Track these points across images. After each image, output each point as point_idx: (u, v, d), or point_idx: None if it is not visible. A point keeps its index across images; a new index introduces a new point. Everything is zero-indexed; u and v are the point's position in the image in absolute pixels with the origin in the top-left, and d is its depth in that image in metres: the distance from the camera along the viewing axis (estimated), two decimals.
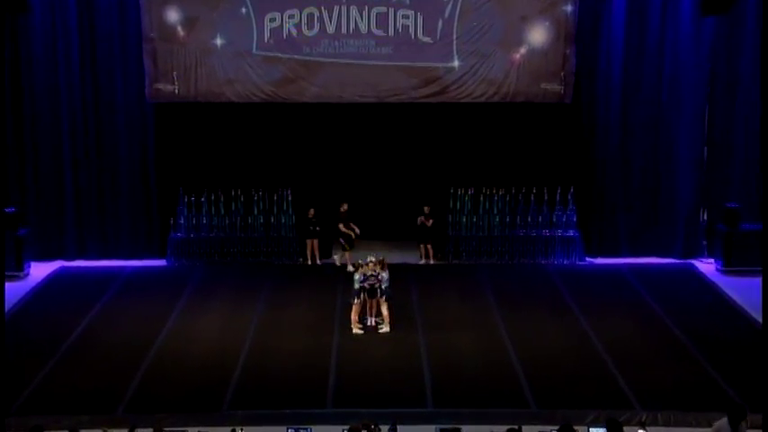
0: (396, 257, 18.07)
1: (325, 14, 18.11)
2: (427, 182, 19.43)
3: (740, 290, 16.77)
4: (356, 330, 14.93)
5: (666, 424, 12.10)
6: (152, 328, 15.08)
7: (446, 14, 18.15)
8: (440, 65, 18.37)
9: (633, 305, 16.39)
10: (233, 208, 18.96)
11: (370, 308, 15.20)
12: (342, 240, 18.47)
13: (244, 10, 18.06)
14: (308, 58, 18.33)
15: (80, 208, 19.10)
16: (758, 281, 16.07)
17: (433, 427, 11.12)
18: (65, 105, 18.65)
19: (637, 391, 12.77)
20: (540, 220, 18.98)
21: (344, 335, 14.84)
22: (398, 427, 10.72)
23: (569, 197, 18.98)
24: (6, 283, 16.10)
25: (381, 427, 10.55)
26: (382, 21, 18.16)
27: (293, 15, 18.15)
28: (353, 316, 14.98)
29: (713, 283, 17.66)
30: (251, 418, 12.10)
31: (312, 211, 18.83)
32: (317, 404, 12.43)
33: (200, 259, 18.88)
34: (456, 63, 18.36)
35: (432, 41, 18.28)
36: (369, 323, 15.19)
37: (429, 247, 18.96)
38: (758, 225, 17.79)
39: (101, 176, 19.05)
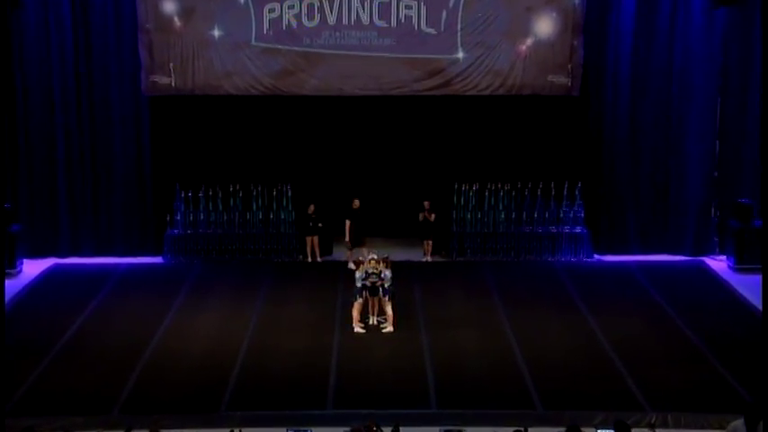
0: (399, 255, 18.06)
1: (326, 5, 18.10)
2: (431, 177, 19.43)
3: (752, 288, 16.73)
4: (358, 329, 14.94)
5: (677, 426, 12.09)
6: (148, 327, 15.09)
7: (450, 5, 18.13)
8: (444, 56, 18.36)
9: (642, 304, 16.38)
10: (231, 204, 18.97)
11: (372, 306, 15.20)
12: (347, 239, 18.31)
13: (242, 0, 18.05)
14: (308, 49, 18.32)
15: (74, 204, 19.11)
16: None
17: (437, 428, 11.12)
18: (58, 99, 18.65)
19: (646, 391, 12.76)
20: (546, 216, 18.97)
21: (346, 334, 14.85)
22: (401, 428, 10.71)
23: (577, 192, 18.97)
24: None
25: (383, 428, 10.56)
26: (384, 11, 18.14)
27: (293, 6, 18.13)
28: (355, 314, 14.99)
29: (725, 280, 17.65)
30: (250, 420, 12.11)
31: (312, 207, 18.83)
32: (318, 405, 12.44)
33: (197, 256, 18.89)
34: (460, 55, 18.35)
35: (435, 32, 18.27)
36: (371, 322, 15.20)
37: (429, 242, 18.95)
38: None
39: (95, 172, 19.06)
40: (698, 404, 12.43)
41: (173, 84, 18.35)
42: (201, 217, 18.90)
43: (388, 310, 14.98)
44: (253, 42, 18.27)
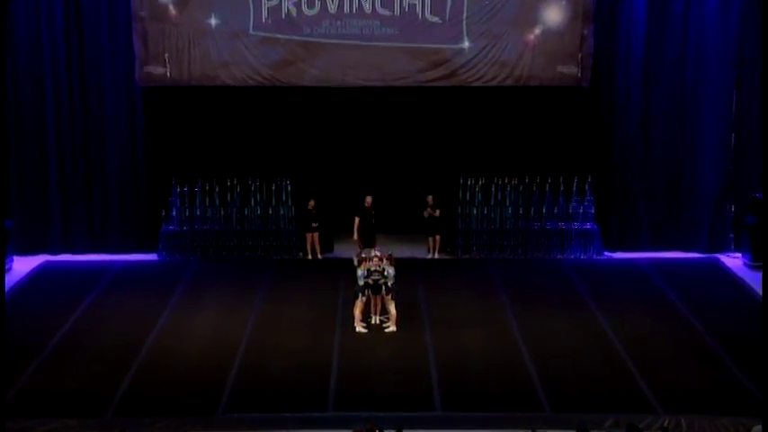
0: (403, 252, 18.07)
1: None
2: (435, 171, 19.43)
3: None
4: (359, 329, 14.95)
5: (690, 429, 12.08)
6: (143, 327, 15.11)
7: None
8: (448, 46, 18.35)
9: (654, 302, 16.38)
10: (229, 199, 18.98)
11: (375, 305, 15.22)
12: (357, 238, 18.26)
13: None
14: (308, 39, 18.31)
15: (66, 199, 19.14)
16: None
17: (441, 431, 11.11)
18: (49, 91, 18.66)
19: (658, 393, 12.77)
20: (555, 211, 18.97)
21: (347, 333, 14.86)
22: (404, 431, 10.73)
23: (587, 187, 18.97)
24: None
25: (386, 431, 10.56)
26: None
27: None
28: (357, 313, 15.00)
29: (740, 278, 17.65)
30: (248, 422, 12.14)
31: (312, 203, 18.85)
32: (318, 407, 12.46)
33: (193, 253, 18.91)
34: (466, 44, 18.34)
35: (440, 21, 18.25)
36: (373, 321, 15.21)
37: (436, 238, 18.97)
38: None
39: (88, 166, 19.08)
40: (712, 407, 12.43)
41: (168, 74, 18.35)
42: (198, 213, 18.91)
43: (391, 308, 14.99)
44: (251, 31, 18.26)
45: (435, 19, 18.24)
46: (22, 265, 18.32)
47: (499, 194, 19.03)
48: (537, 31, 18.32)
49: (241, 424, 12.07)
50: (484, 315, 15.76)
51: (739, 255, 18.78)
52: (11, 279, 17.58)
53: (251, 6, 18.14)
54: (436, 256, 19.01)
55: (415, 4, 18.16)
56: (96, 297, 16.69)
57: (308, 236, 18.97)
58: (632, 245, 19.30)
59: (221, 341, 14.63)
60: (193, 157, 19.12)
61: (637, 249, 19.22)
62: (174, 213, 18.87)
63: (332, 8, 18.15)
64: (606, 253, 19.17)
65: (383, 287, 14.97)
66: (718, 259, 18.82)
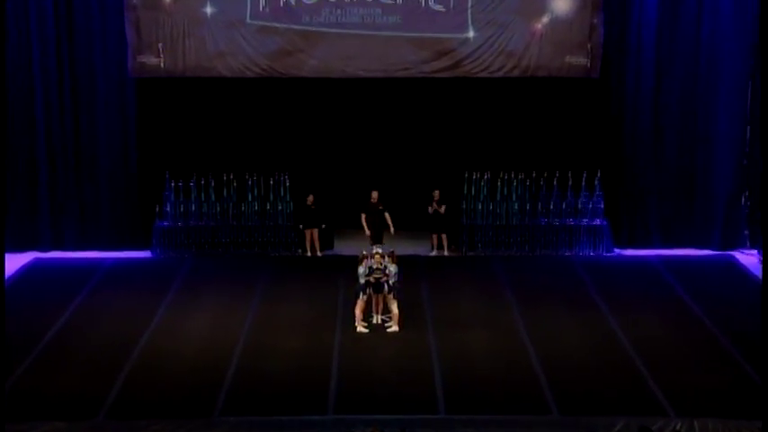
0: (405, 248, 18.07)
1: None
2: (439, 165, 19.44)
3: None
4: (360, 329, 14.95)
5: None
6: (136, 327, 15.10)
7: None
8: (453, 36, 18.34)
9: (666, 301, 16.37)
10: (225, 194, 18.99)
11: (377, 304, 15.21)
12: (368, 235, 18.19)
13: None
14: (307, 28, 18.30)
15: (55, 194, 19.14)
16: None
17: None
18: (38, 82, 18.66)
19: (670, 396, 12.75)
20: (563, 207, 18.98)
21: (347, 333, 14.86)
22: None
23: (596, 182, 18.96)
24: None
25: None
26: None
27: None
28: (358, 313, 15.00)
29: (756, 276, 17.62)
30: (244, 426, 12.11)
31: (311, 198, 18.84)
32: (318, 410, 12.45)
33: (188, 250, 18.93)
34: (471, 34, 18.32)
35: (444, 10, 18.24)
36: (375, 321, 15.20)
37: (443, 236, 18.97)
38: None
39: (78, 160, 19.09)
40: (726, 410, 12.40)
41: (161, 65, 18.35)
42: (193, 208, 18.91)
43: (394, 308, 14.99)
44: (248, 20, 18.25)
45: (439, 7, 18.22)
46: (10, 263, 18.22)
47: (505, 189, 19.02)
48: (545, 19, 18.30)
49: (238, 427, 12.04)
50: (489, 314, 15.75)
51: (754, 252, 18.76)
52: None
53: None
54: (446, 253, 18.98)
55: None
56: (87, 296, 16.68)
57: (308, 232, 18.96)
58: (643, 242, 19.30)
59: (217, 341, 14.62)
60: (188, 150, 19.12)
61: (648, 246, 19.22)
62: (168, 209, 18.87)
63: None
64: (616, 250, 19.17)
65: (385, 285, 14.96)
66: (732, 257, 18.81)
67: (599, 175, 18.95)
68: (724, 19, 18.54)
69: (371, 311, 15.25)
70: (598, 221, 19.04)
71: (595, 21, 18.30)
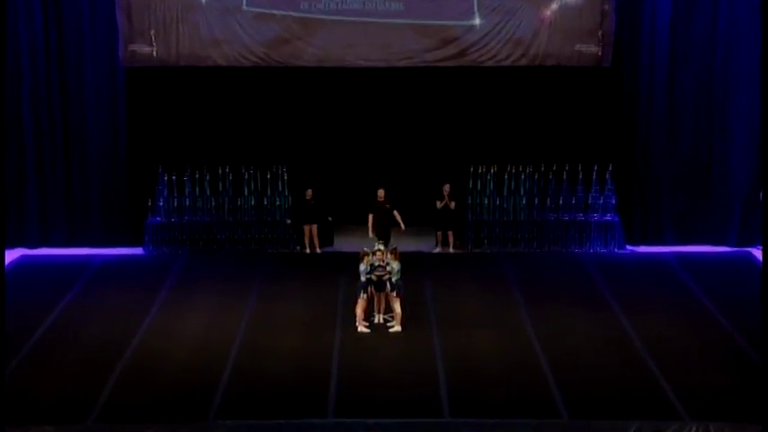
0: (408, 245, 18.08)
1: None
2: (444, 159, 19.44)
3: None
4: (361, 328, 14.96)
5: None
6: (128, 326, 15.12)
7: None
8: (458, 23, 18.32)
9: (681, 300, 16.38)
10: (220, 188, 19.00)
11: (378, 303, 15.22)
12: (373, 234, 18.15)
13: None
14: (306, 15, 18.29)
15: (43, 188, 19.14)
16: None
17: None
18: (26, 72, 18.66)
19: (685, 398, 12.75)
20: (573, 202, 18.98)
21: (348, 333, 14.87)
22: None
23: (607, 176, 18.95)
24: None
25: None
26: None
27: None
28: (359, 312, 15.00)
29: None
30: (241, 429, 12.13)
31: (310, 192, 18.85)
32: (317, 413, 12.45)
33: (182, 247, 18.94)
34: (477, 21, 18.31)
35: None
36: (376, 320, 15.21)
37: (450, 233, 18.96)
38: None
39: (67, 153, 19.09)
40: (743, 413, 12.41)
41: (154, 53, 18.35)
42: (187, 203, 18.93)
43: (396, 306, 14.99)
44: (244, 7, 18.25)
45: None
46: None
47: (512, 184, 19.02)
48: (554, 6, 18.29)
49: (234, 431, 12.06)
50: (495, 314, 15.75)
51: None
52: None
53: None
54: (450, 250, 18.98)
55: None
56: (77, 294, 16.69)
57: (306, 228, 18.97)
58: (657, 238, 19.30)
59: (212, 342, 14.63)
60: (182, 143, 19.12)
61: (661, 243, 19.23)
62: (160, 204, 18.88)
63: None
64: (628, 247, 19.18)
65: (387, 283, 14.97)
66: (749, 253, 18.80)
67: (610, 168, 18.94)
68: (742, 6, 18.50)
69: (373, 310, 15.26)
70: (609, 217, 19.03)
71: (607, 7, 18.28)
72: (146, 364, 13.90)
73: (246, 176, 18.98)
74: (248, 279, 17.35)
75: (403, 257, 15.80)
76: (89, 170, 19.15)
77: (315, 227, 18.98)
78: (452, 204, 18.83)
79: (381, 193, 18.38)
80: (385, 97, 19.53)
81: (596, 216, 19.02)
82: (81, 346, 14.53)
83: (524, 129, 19.23)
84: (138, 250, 19.07)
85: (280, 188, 19.05)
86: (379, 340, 14.72)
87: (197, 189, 18.95)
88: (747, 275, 17.75)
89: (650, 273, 17.82)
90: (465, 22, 18.33)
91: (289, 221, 18.84)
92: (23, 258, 18.67)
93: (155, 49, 18.30)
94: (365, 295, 15.02)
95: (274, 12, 18.30)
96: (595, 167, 18.92)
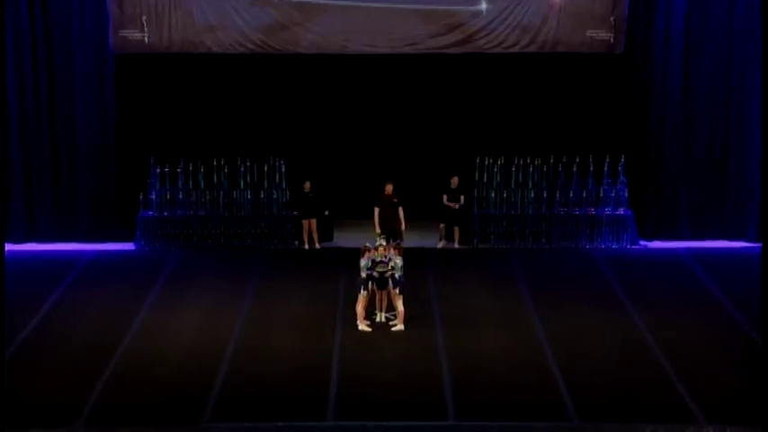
0: (411, 240, 18.07)
1: None
2: (449, 150, 19.43)
3: None
4: (363, 327, 14.95)
5: None
6: (118, 325, 15.11)
7: None
8: (464, 8, 18.33)
9: (696, 298, 16.38)
10: (215, 181, 18.98)
11: (380, 300, 15.21)
12: (380, 230, 18.06)
13: None
14: None
15: (30, 181, 19.14)
16: None
17: None
18: (11, 59, 18.61)
19: (701, 401, 12.75)
20: (584, 195, 18.96)
21: (349, 333, 14.87)
22: None
23: (620, 168, 18.93)
24: None
25: None
26: None
27: None
28: (359, 310, 15.00)
29: None
30: None
31: (309, 185, 18.83)
32: (316, 415, 12.46)
33: (175, 242, 18.92)
34: (483, 6, 18.29)
35: None
36: (378, 319, 15.20)
37: (456, 228, 18.95)
38: None
39: (54, 143, 19.06)
40: (762, 416, 12.38)
41: (145, 39, 18.33)
42: (180, 196, 18.92)
43: (399, 304, 14.98)
44: None
45: None
46: None
47: (520, 176, 19.01)
48: None
49: None
50: (503, 312, 15.75)
51: None
52: None
53: None
54: (456, 245, 18.97)
55: None
56: (65, 292, 16.69)
57: (305, 222, 18.96)
58: (671, 233, 19.29)
59: (207, 342, 14.63)
60: (175, 133, 19.12)
61: (676, 238, 19.22)
62: (152, 197, 18.87)
63: None
64: (642, 242, 19.16)
65: (389, 280, 14.95)
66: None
67: (623, 160, 18.92)
68: None
69: (374, 308, 15.26)
70: (622, 211, 19.02)
71: None
72: (137, 365, 13.89)
73: (242, 168, 18.96)
74: (244, 276, 17.34)
75: (406, 253, 15.78)
76: (78, 162, 19.12)
77: (314, 221, 18.97)
78: (462, 199, 18.79)
79: (390, 187, 18.24)
80: (387, 86, 19.51)
81: (608, 210, 19.00)
82: (69, 346, 14.52)
83: (533, 119, 19.21)
84: (129, 246, 19.06)
85: (277, 181, 19.04)
86: (380, 340, 14.72)
87: (191, 181, 18.93)
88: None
89: (665, 269, 17.81)
90: (471, 8, 18.31)
91: (295, 213, 18.80)
92: (9, 254, 18.60)
93: (146, 35, 18.28)
94: (366, 293, 15.01)
95: None
96: (607, 159, 18.90)
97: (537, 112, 19.21)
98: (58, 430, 12.13)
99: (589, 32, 18.38)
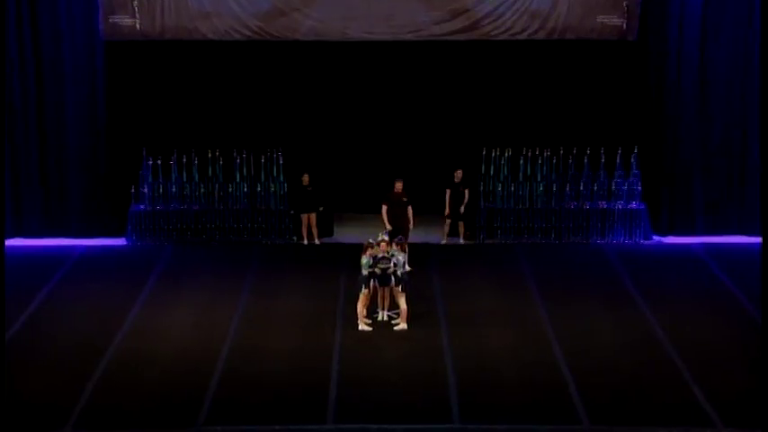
0: (415, 236, 18.07)
1: None
2: (454, 141, 19.42)
3: None
4: (364, 326, 14.95)
5: None
6: (109, 324, 15.10)
7: None
8: None
9: (712, 295, 16.37)
10: (210, 174, 18.97)
11: (382, 298, 15.20)
12: (390, 229, 17.96)
13: None
14: None
15: (17, 174, 19.13)
16: None
17: None
18: None
19: (717, 403, 12.73)
20: (595, 188, 18.94)
21: (349, 332, 14.86)
22: None
23: (632, 160, 18.91)
24: None
25: None
26: None
27: None
28: (361, 308, 14.99)
29: None
30: None
31: (307, 178, 18.82)
32: (315, 418, 12.45)
33: (168, 238, 18.93)
34: None
35: None
36: (380, 317, 15.20)
37: (460, 223, 18.93)
38: None
39: (42, 135, 19.06)
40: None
41: (137, 26, 18.33)
42: (173, 189, 18.92)
43: (402, 302, 14.97)
44: None
45: None
46: None
47: (529, 168, 19.00)
48: None
49: None
50: (510, 310, 15.74)
51: None
52: None
53: None
54: (461, 241, 18.98)
55: None
56: (54, 289, 16.69)
57: (304, 217, 18.95)
58: (686, 228, 19.30)
59: (201, 341, 14.62)
60: (168, 124, 19.12)
61: (691, 233, 19.23)
62: (145, 190, 18.88)
63: None
64: (655, 237, 19.16)
65: (392, 277, 14.94)
66: None
67: (636, 151, 18.92)
68: None
69: (376, 307, 15.25)
70: (635, 205, 19.02)
71: None
72: (128, 365, 13.88)
73: (238, 161, 18.96)
74: (241, 273, 17.34)
75: (409, 249, 15.77)
76: (67, 154, 19.12)
77: (313, 216, 18.96)
78: (466, 193, 18.76)
79: (400, 185, 17.92)
80: (389, 74, 19.49)
81: (620, 204, 19.00)
82: (58, 345, 14.51)
83: (541, 109, 19.19)
84: (121, 241, 19.07)
85: (274, 173, 19.03)
86: (382, 339, 14.71)
87: (184, 174, 18.93)
88: None
89: (679, 266, 17.82)
90: None
91: (292, 212, 18.78)
92: None
93: (138, 21, 18.28)
94: (368, 290, 15.00)
95: None
96: (619, 150, 18.89)
97: (546, 101, 19.19)
98: None
99: (600, 18, 18.36)
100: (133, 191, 18.87)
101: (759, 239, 19.02)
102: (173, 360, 14.06)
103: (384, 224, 17.63)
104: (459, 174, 18.75)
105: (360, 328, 14.95)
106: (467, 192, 18.76)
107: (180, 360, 14.06)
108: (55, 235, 19.20)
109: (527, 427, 12.26)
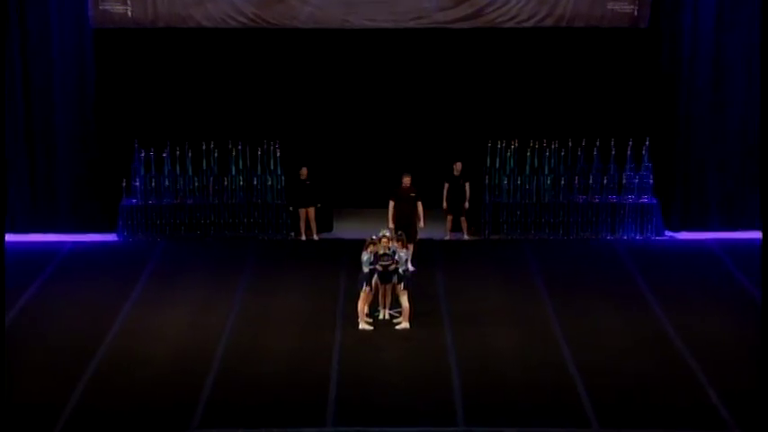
0: (418, 231, 18.05)
1: None
2: (458, 133, 19.42)
3: None
4: (364, 325, 14.96)
5: None
6: (100, 323, 15.12)
7: None
8: None
9: (727, 294, 16.37)
10: (204, 166, 18.97)
11: (384, 296, 15.21)
12: (393, 226, 17.82)
13: None
14: None
15: (3, 167, 19.06)
16: None
17: None
18: None
19: (732, 406, 12.73)
20: (605, 182, 18.94)
21: (349, 331, 14.87)
22: None
23: (644, 152, 18.91)
24: None
25: None
26: None
27: None
28: (361, 307, 15.00)
29: None
30: None
31: (305, 171, 18.82)
32: (314, 421, 12.46)
33: (161, 233, 18.94)
34: None
35: None
36: (381, 316, 15.21)
37: (463, 218, 18.93)
38: None
39: (30, 126, 19.07)
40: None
41: (128, 13, 18.34)
42: (166, 183, 18.93)
43: (404, 301, 14.98)
44: None
45: None
46: None
47: (536, 161, 19.00)
48: None
49: None
50: (516, 309, 15.76)
51: None
52: None
53: None
54: (465, 237, 18.99)
55: None
56: (42, 287, 16.71)
57: (302, 212, 18.96)
58: (699, 223, 19.32)
59: (196, 341, 14.64)
60: (160, 115, 19.13)
61: (705, 229, 19.24)
62: (136, 184, 18.90)
63: None
64: (668, 233, 19.16)
65: (394, 275, 14.95)
66: None
67: (647, 143, 18.92)
68: None
69: (378, 305, 15.25)
70: (646, 199, 19.03)
71: None
72: (120, 366, 13.90)
73: (234, 153, 18.97)
74: (236, 270, 17.36)
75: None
76: (55, 146, 19.14)
77: (312, 210, 18.97)
78: (467, 187, 18.77)
79: (407, 180, 17.73)
80: (391, 64, 19.49)
81: (631, 198, 19.01)
82: (46, 345, 14.53)
83: (549, 99, 19.19)
84: (112, 237, 19.08)
85: (272, 166, 19.03)
86: (384, 338, 14.72)
87: (178, 167, 18.94)
88: None
89: (692, 262, 17.84)
90: None
91: (291, 209, 18.80)
92: None
93: (129, 8, 18.29)
94: (368, 288, 15.01)
95: None
96: (630, 143, 18.90)
97: (553, 91, 19.19)
98: None
99: (611, 5, 18.37)
100: (124, 184, 18.90)
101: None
102: (166, 360, 14.07)
103: (388, 222, 17.48)
104: (458, 166, 18.72)
105: (360, 327, 14.97)
106: (467, 185, 18.72)
107: (174, 360, 14.08)
108: (42, 230, 19.22)
109: (534, 430, 12.28)
